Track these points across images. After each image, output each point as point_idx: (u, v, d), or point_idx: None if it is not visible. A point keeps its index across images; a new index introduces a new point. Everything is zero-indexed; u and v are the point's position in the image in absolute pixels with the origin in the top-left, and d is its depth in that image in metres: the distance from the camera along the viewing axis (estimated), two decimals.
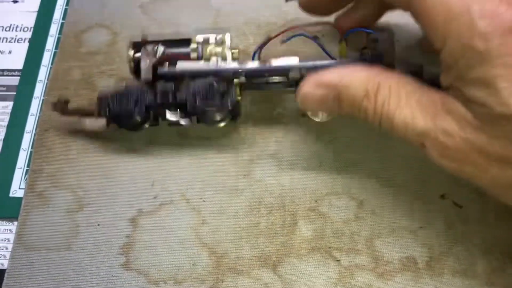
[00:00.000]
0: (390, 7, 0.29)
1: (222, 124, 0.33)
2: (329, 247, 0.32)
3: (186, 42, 0.32)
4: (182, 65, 0.32)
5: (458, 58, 0.21)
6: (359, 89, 0.26)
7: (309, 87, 0.28)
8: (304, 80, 0.28)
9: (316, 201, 0.33)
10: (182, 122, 0.32)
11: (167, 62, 0.32)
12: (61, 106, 0.33)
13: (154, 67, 0.32)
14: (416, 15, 0.23)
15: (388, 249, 0.32)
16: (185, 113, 0.32)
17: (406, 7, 0.24)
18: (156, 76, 0.32)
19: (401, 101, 0.24)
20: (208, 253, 0.32)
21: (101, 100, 0.32)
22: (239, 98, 0.32)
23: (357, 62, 0.29)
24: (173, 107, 0.32)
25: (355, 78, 0.26)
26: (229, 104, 0.31)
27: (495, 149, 0.22)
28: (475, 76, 0.21)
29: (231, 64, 0.32)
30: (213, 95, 0.31)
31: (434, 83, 0.25)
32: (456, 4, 0.20)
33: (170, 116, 0.32)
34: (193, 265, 0.32)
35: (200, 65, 0.32)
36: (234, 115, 0.33)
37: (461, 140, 0.23)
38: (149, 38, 0.32)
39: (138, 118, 0.32)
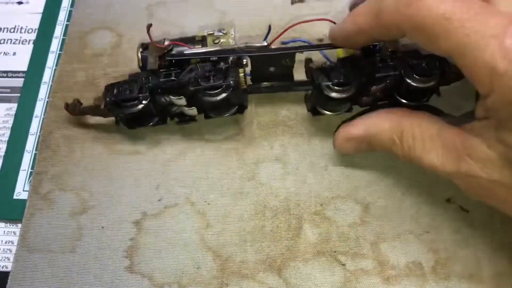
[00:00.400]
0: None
1: (227, 114, 0.33)
2: (335, 251, 0.32)
3: (192, 38, 0.33)
4: (187, 51, 0.32)
5: (500, 108, 0.22)
6: (385, 139, 0.28)
7: (342, 141, 0.31)
8: (336, 133, 0.31)
9: (321, 205, 0.33)
10: (189, 111, 0.32)
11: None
12: (73, 106, 0.33)
13: (160, 57, 0.32)
14: (458, 65, 0.23)
15: (393, 253, 0.31)
16: (190, 103, 0.32)
17: (446, 56, 0.24)
18: (162, 65, 0.32)
19: (426, 146, 0.26)
20: (213, 256, 0.32)
21: (107, 89, 0.32)
22: (244, 86, 0.32)
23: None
24: (177, 93, 0.32)
25: (380, 129, 0.28)
26: (231, 82, 0.31)
27: None
28: None
29: (234, 46, 0.32)
30: (215, 74, 0.31)
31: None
32: (500, 65, 0.21)
33: (175, 100, 0.32)
34: (197, 268, 0.32)
35: (204, 48, 0.32)
36: (240, 105, 0.33)
37: (486, 180, 0.24)
38: (156, 39, 0.32)
39: (144, 103, 0.31)
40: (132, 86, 0.32)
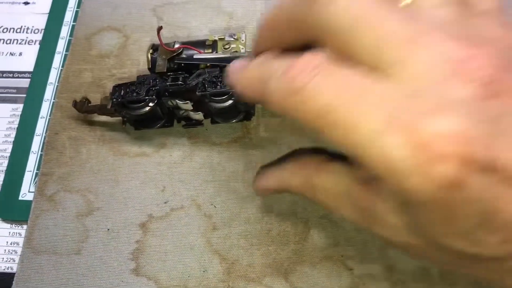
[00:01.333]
0: None
1: (234, 121, 0.33)
2: (342, 256, 0.31)
3: (202, 42, 0.33)
4: (197, 56, 0.32)
5: (395, 194, 0.21)
6: (298, 193, 0.27)
7: (258, 190, 0.30)
8: (254, 182, 0.31)
9: None
10: (195, 116, 0.33)
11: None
12: (81, 104, 0.33)
13: (170, 60, 0.32)
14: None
15: (401, 258, 0.31)
16: (197, 108, 0.32)
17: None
18: (170, 68, 0.32)
19: (338, 202, 0.25)
20: (219, 259, 0.32)
21: (115, 89, 0.32)
22: None
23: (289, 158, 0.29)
24: (183, 97, 0.32)
25: (292, 185, 0.27)
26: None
27: (429, 250, 0.22)
28: (409, 211, 0.21)
29: (244, 54, 0.32)
30: (223, 80, 0.31)
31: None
32: (383, 165, 0.19)
33: (182, 104, 0.32)
34: (203, 271, 0.31)
35: (214, 54, 0.32)
36: (247, 112, 0.33)
37: (399, 243, 0.23)
38: (163, 41, 0.32)
39: (150, 105, 0.31)
40: (140, 88, 0.32)
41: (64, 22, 0.40)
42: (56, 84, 0.38)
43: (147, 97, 0.31)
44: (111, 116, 0.34)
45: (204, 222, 0.33)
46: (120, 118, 0.34)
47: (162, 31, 0.32)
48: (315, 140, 0.31)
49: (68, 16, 0.41)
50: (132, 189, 0.34)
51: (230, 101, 0.31)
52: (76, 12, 0.41)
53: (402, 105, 0.19)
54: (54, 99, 0.37)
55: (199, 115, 0.33)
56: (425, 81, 0.19)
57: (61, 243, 0.33)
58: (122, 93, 0.32)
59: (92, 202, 0.34)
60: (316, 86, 0.20)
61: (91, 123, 0.36)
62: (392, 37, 0.19)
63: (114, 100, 0.32)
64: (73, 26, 0.40)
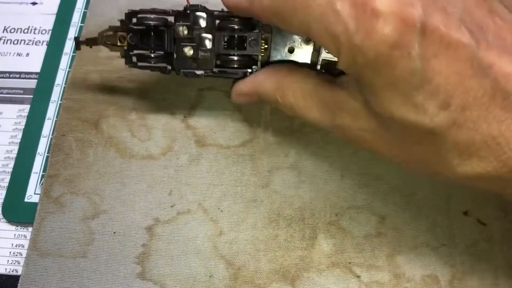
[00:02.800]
0: None
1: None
2: (349, 263, 0.31)
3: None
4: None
5: (349, 68, 0.23)
6: (270, 98, 0.29)
7: (235, 96, 0.31)
8: (233, 87, 0.31)
9: (336, 215, 0.32)
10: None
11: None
12: (91, 41, 0.32)
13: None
14: (312, 39, 0.25)
15: (409, 266, 0.31)
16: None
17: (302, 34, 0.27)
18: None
19: (306, 102, 0.28)
20: (226, 265, 0.31)
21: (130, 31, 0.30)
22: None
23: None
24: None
25: (265, 88, 0.30)
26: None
27: (383, 133, 0.25)
28: (363, 79, 0.23)
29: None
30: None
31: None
32: (337, 29, 0.22)
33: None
34: (210, 277, 0.31)
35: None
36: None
37: (357, 130, 0.26)
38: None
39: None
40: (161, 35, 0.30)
41: (71, 23, 0.40)
42: (63, 85, 0.38)
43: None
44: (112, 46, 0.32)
45: (211, 227, 0.33)
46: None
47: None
48: None
49: (76, 17, 0.41)
50: (139, 192, 0.34)
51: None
52: (84, 13, 0.40)
53: None
54: (61, 101, 0.37)
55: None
56: None
57: (67, 246, 0.32)
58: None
59: (98, 205, 0.33)
60: None
61: (99, 125, 0.35)
62: None
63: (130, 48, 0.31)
64: (80, 27, 0.40)
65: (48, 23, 0.41)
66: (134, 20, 0.30)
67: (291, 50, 0.31)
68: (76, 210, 0.33)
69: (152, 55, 0.30)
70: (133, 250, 0.32)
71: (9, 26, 0.41)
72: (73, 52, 0.39)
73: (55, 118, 0.37)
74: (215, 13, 0.30)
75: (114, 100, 0.36)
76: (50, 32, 0.40)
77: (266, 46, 0.30)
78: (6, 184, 0.35)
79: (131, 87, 0.36)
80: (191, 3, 0.31)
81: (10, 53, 0.40)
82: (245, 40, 0.29)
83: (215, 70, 0.30)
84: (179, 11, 0.30)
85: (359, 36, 0.21)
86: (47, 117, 0.37)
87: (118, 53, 0.37)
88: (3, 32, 0.41)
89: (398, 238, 0.32)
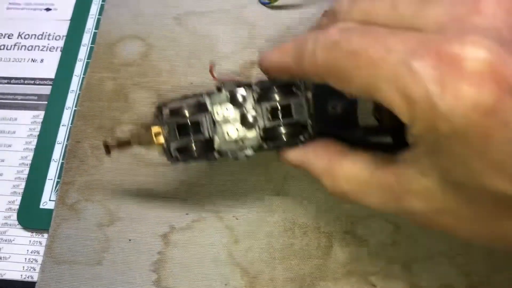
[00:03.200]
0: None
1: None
2: (365, 272, 0.31)
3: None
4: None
5: (426, 134, 0.20)
6: (320, 178, 0.26)
7: (283, 160, 0.29)
8: (279, 153, 0.29)
9: (352, 224, 0.32)
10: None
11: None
12: (123, 143, 0.29)
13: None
14: (379, 101, 0.22)
15: (425, 275, 0.31)
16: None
17: (368, 98, 0.23)
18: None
19: (362, 189, 0.25)
20: (241, 273, 0.31)
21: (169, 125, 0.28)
22: None
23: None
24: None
25: (314, 166, 0.27)
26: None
27: (463, 210, 0.22)
28: (444, 149, 0.20)
29: None
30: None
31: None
32: (414, 91, 0.19)
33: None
34: (225, 285, 0.31)
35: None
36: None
37: (430, 212, 0.23)
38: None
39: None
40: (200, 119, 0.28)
41: (86, 29, 0.40)
42: (78, 91, 0.38)
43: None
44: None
45: (226, 234, 0.33)
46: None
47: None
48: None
49: (90, 23, 0.41)
50: (154, 199, 0.34)
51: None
52: (98, 19, 0.40)
53: (427, 38, 0.20)
54: (75, 107, 0.37)
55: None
56: (444, 20, 0.20)
57: (82, 253, 0.33)
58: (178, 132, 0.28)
59: (114, 212, 0.33)
60: (348, 36, 0.22)
61: (113, 132, 0.35)
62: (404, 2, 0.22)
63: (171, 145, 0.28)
64: (95, 33, 0.40)
65: (63, 29, 0.41)
66: (166, 111, 0.28)
67: (334, 107, 0.29)
68: (92, 217, 0.33)
69: (194, 146, 0.28)
70: (149, 257, 0.32)
71: (23, 32, 0.41)
72: (88, 59, 0.39)
73: (69, 125, 0.37)
74: (253, 86, 0.28)
75: (129, 106, 0.36)
76: (64, 38, 0.40)
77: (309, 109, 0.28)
78: (21, 191, 0.35)
79: (146, 93, 0.36)
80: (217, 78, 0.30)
81: (24, 59, 0.40)
82: (289, 107, 0.28)
83: (264, 146, 0.28)
84: (212, 92, 0.28)
85: (444, 101, 0.18)
86: (61, 124, 0.37)
87: (132, 60, 0.37)
88: (18, 38, 0.41)
89: (413, 247, 0.31)
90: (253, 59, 0.37)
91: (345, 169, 0.25)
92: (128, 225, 0.33)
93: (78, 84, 0.38)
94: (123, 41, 0.39)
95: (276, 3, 0.38)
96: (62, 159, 0.36)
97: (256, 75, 0.36)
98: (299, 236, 0.32)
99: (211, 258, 0.32)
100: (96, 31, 0.40)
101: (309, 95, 0.28)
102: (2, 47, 0.41)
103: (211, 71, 0.31)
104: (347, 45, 0.21)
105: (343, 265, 0.31)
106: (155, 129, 0.28)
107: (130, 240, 0.33)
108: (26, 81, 0.39)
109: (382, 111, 0.30)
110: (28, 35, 0.41)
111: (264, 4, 0.39)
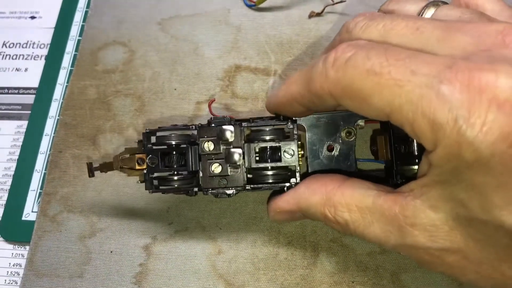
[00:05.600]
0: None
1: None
2: (353, 281, 0.30)
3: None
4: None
5: (447, 162, 0.19)
6: (317, 214, 0.25)
7: (274, 214, 0.28)
8: (268, 205, 0.28)
9: (338, 232, 0.31)
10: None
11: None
12: (106, 166, 0.29)
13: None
14: (398, 125, 0.21)
15: (415, 284, 0.30)
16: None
17: (384, 119, 0.22)
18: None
19: (365, 218, 0.23)
20: (225, 285, 0.31)
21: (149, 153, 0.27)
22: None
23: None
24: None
25: (311, 203, 0.25)
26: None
27: (471, 249, 0.21)
28: (462, 179, 0.19)
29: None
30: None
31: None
32: (440, 115, 0.18)
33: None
34: None
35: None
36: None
37: (435, 250, 0.22)
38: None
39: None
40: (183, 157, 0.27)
41: (70, 37, 0.40)
42: (61, 100, 0.37)
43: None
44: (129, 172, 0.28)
45: (209, 245, 0.32)
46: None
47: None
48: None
49: (74, 30, 0.40)
50: (136, 210, 0.33)
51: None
52: (82, 26, 0.40)
53: (455, 64, 0.19)
54: (58, 116, 0.37)
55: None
56: (472, 49, 0.20)
57: (64, 266, 0.32)
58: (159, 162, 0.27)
59: (95, 223, 0.33)
60: (364, 53, 0.21)
61: (95, 141, 0.35)
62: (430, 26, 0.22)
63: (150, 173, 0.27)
64: (78, 41, 0.39)
65: (47, 37, 0.40)
66: (154, 139, 0.27)
67: (330, 149, 0.29)
68: (73, 229, 0.33)
69: (175, 177, 0.27)
70: (130, 269, 0.31)
71: (8, 41, 0.41)
72: (71, 66, 0.38)
73: (53, 134, 0.36)
74: (243, 124, 0.27)
75: (111, 115, 0.36)
76: (49, 46, 0.40)
77: (302, 152, 0.27)
78: (4, 202, 0.35)
79: (128, 101, 0.36)
80: (214, 113, 0.29)
81: (9, 68, 0.40)
82: (279, 150, 0.27)
83: (248, 187, 0.27)
84: (202, 125, 0.27)
85: (472, 128, 0.18)
86: (44, 133, 0.36)
87: (115, 67, 0.36)
88: (2, 47, 0.41)
89: (403, 256, 0.30)
90: (238, 63, 0.36)
91: (346, 197, 0.24)
92: (109, 236, 0.32)
93: (61, 93, 0.38)
94: (106, 48, 0.38)
95: (261, 5, 0.37)
96: (45, 170, 0.35)
97: (249, 109, 0.36)
98: (284, 246, 0.31)
99: (194, 269, 0.31)
100: (80, 38, 0.39)
101: (304, 136, 0.27)
102: None
103: (209, 105, 0.31)
104: (365, 63, 0.20)
105: (330, 275, 0.30)
106: (139, 155, 0.27)
107: (111, 251, 0.32)
108: (10, 91, 0.39)
109: (378, 145, 0.29)
110: (13, 43, 0.41)
111: (249, 6, 0.38)
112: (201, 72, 0.36)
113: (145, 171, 0.27)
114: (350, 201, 0.24)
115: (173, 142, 0.27)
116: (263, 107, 0.35)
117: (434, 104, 0.19)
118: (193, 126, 0.28)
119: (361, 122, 0.29)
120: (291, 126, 0.27)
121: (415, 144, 0.27)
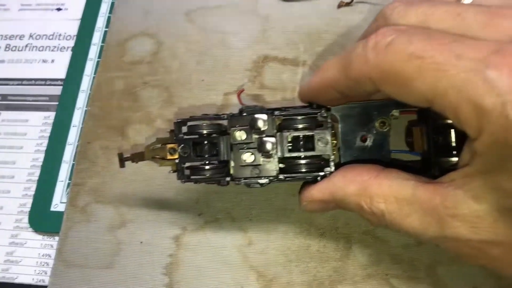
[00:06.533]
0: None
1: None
2: (387, 274, 0.29)
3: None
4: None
5: (492, 150, 0.19)
6: (352, 205, 0.25)
7: (307, 204, 0.27)
8: (301, 195, 0.27)
9: (372, 224, 0.30)
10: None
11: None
12: (137, 156, 0.29)
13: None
14: (441, 111, 0.20)
15: (452, 278, 0.29)
16: None
17: (425, 105, 0.21)
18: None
19: (402, 210, 0.23)
20: (256, 276, 0.30)
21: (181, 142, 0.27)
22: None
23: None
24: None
25: (346, 193, 0.25)
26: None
27: None
28: (509, 168, 0.19)
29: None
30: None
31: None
32: (487, 101, 0.18)
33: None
34: None
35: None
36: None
37: (476, 242, 0.21)
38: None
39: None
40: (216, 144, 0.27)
41: (96, 28, 0.40)
42: (89, 91, 0.37)
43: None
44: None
45: (240, 236, 0.31)
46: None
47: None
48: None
49: (100, 22, 0.40)
50: (165, 201, 0.33)
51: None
52: (108, 17, 0.40)
53: (502, 48, 0.18)
54: (86, 107, 0.36)
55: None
56: None
57: (93, 256, 0.32)
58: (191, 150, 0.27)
59: (125, 214, 0.33)
60: (405, 37, 0.20)
61: (124, 132, 0.35)
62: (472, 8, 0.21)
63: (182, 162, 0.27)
64: (105, 32, 0.39)
65: (73, 28, 0.40)
66: (184, 129, 0.27)
67: (364, 140, 0.28)
68: (102, 220, 0.33)
69: (207, 167, 0.27)
70: (160, 260, 0.31)
71: (35, 33, 0.41)
72: (98, 58, 0.38)
73: (80, 125, 0.36)
74: (276, 112, 0.27)
75: (139, 106, 0.35)
76: (75, 37, 0.40)
77: (335, 141, 0.27)
78: (33, 193, 0.35)
79: (155, 92, 0.35)
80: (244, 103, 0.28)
81: (35, 60, 0.40)
82: (312, 138, 0.26)
83: (280, 177, 0.26)
84: (233, 114, 0.27)
85: None
86: (72, 124, 0.36)
87: (142, 58, 0.36)
88: (29, 39, 0.41)
89: (438, 248, 0.30)
90: (266, 53, 0.36)
91: (383, 187, 0.23)
92: (139, 227, 0.32)
93: (88, 84, 0.38)
94: (133, 39, 0.38)
95: None
96: (73, 161, 0.35)
97: (279, 101, 0.35)
98: (316, 238, 0.31)
99: (225, 260, 0.31)
100: (107, 29, 0.39)
101: (337, 126, 0.27)
102: (13, 48, 0.41)
103: (238, 96, 0.30)
104: (407, 47, 0.20)
105: (363, 268, 0.30)
106: (171, 145, 0.27)
107: (141, 242, 0.32)
108: (37, 82, 0.39)
109: (414, 137, 0.29)
110: (39, 35, 0.41)
111: None
112: (229, 63, 0.36)
113: (176, 161, 0.27)
114: (387, 192, 0.23)
115: (205, 132, 0.27)
116: (292, 98, 0.34)
117: (480, 89, 0.18)
118: (224, 116, 0.27)
119: (395, 113, 0.28)
120: (325, 114, 0.26)
121: (453, 135, 0.26)
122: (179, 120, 0.27)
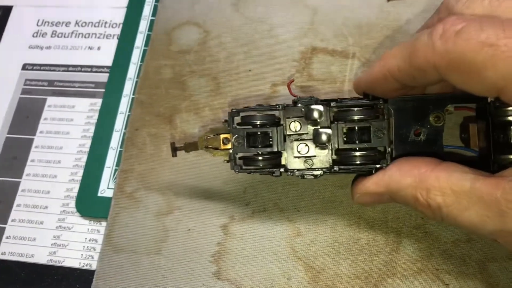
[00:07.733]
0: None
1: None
2: (437, 269, 0.29)
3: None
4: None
5: None
6: (408, 197, 0.24)
7: (360, 196, 0.27)
8: (354, 187, 0.27)
9: (422, 219, 0.30)
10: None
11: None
12: (190, 146, 0.29)
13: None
14: (510, 101, 0.20)
15: (504, 275, 0.29)
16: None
17: (492, 95, 0.21)
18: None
19: (460, 203, 0.22)
20: (304, 267, 0.30)
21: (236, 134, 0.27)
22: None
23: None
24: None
25: (402, 185, 0.24)
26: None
27: None
28: None
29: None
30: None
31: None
32: None
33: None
34: (287, 279, 0.30)
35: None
36: None
37: None
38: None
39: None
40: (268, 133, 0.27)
41: (142, 16, 0.40)
42: (135, 79, 0.37)
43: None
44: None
45: (288, 227, 0.31)
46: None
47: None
48: None
49: (147, 10, 0.40)
50: (214, 189, 0.33)
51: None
52: (155, 6, 0.40)
53: None
54: (133, 95, 0.37)
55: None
56: None
57: (141, 242, 0.32)
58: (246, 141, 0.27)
59: (173, 201, 0.33)
60: (477, 25, 0.20)
61: (172, 120, 0.35)
62: None
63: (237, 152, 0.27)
64: (151, 21, 0.39)
65: (119, 16, 0.41)
66: (238, 119, 0.27)
67: (417, 134, 0.27)
68: (150, 206, 0.33)
69: (260, 157, 0.26)
70: (208, 248, 0.31)
71: (81, 20, 0.41)
72: (145, 46, 0.38)
73: (127, 112, 0.36)
74: (332, 103, 0.26)
75: (186, 95, 0.35)
76: (121, 25, 0.40)
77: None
78: (79, 178, 0.35)
79: (203, 81, 0.36)
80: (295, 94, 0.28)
81: (81, 46, 0.40)
82: (368, 130, 0.26)
83: (335, 168, 0.26)
84: (287, 105, 0.27)
85: None
86: (119, 111, 0.37)
87: (190, 47, 0.36)
88: (75, 26, 0.41)
89: (490, 245, 0.29)
90: (314, 44, 0.36)
91: (441, 180, 0.23)
92: (187, 215, 0.32)
93: (135, 72, 0.38)
94: (180, 28, 0.38)
95: None
96: (120, 147, 0.35)
97: (325, 92, 0.35)
98: (365, 231, 0.31)
99: (273, 251, 0.31)
100: (153, 18, 0.39)
101: (391, 120, 0.27)
102: (60, 35, 0.41)
103: (288, 86, 0.30)
104: (479, 35, 0.20)
105: (413, 262, 0.30)
106: (224, 135, 0.27)
107: (189, 230, 0.32)
108: (83, 69, 0.39)
109: (470, 133, 0.28)
110: (85, 22, 0.41)
111: None
112: (276, 53, 0.36)
113: (230, 151, 0.27)
114: (445, 185, 0.23)
115: (258, 122, 0.27)
116: (341, 89, 0.34)
117: None
118: (279, 106, 0.27)
119: (450, 108, 0.28)
120: (383, 106, 0.26)
121: None
122: (234, 110, 0.27)
